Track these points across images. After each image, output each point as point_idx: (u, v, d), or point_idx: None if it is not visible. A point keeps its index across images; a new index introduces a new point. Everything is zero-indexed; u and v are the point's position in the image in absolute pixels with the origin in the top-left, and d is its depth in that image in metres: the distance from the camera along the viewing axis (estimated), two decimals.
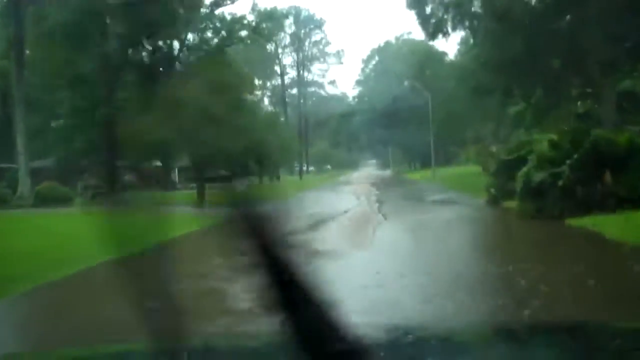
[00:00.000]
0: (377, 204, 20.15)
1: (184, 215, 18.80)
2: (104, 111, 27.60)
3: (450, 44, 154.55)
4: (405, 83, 56.33)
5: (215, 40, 39.39)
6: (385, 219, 15.25)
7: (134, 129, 24.17)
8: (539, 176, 13.08)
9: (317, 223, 14.53)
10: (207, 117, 22.36)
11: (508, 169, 18.00)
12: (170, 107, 23.15)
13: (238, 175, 48.84)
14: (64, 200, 24.46)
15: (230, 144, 22.76)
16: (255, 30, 40.30)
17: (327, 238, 12.06)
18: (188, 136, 22.41)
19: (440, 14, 30.07)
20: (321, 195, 29.52)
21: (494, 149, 41.07)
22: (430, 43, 54.28)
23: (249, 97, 30.99)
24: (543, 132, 22.37)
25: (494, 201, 17.66)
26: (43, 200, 24.97)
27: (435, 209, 17.94)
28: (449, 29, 30.49)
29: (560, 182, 12.60)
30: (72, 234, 10.59)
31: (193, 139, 22.72)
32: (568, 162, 12.87)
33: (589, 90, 27.18)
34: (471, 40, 33.80)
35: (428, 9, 29.97)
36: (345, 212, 17.70)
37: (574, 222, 11.82)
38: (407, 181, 41.77)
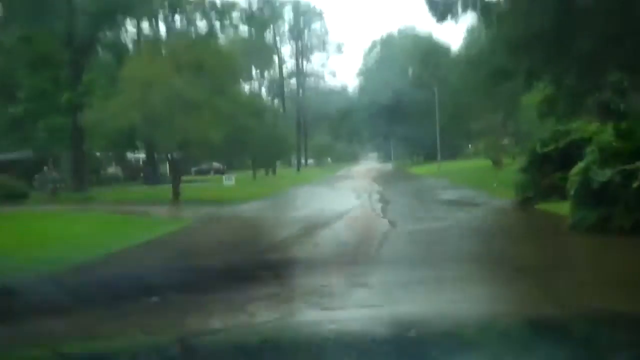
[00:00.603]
0: (380, 204, 16.76)
1: (141, 219, 15.60)
2: (68, 95, 24.24)
3: (454, 36, 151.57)
4: (410, 72, 53.29)
5: (204, 21, 36.38)
6: (393, 226, 11.84)
7: (100, 114, 21.04)
8: (603, 175, 9.64)
9: (303, 233, 11.14)
10: (180, 100, 19.15)
11: (542, 164, 14.90)
12: (138, 89, 19.89)
13: (230, 167, 45.95)
14: (17, 197, 21.06)
15: (210, 132, 19.54)
16: (247, 13, 37.21)
17: (313, 258, 8.70)
18: (156, 121, 19.15)
19: None
20: (317, 191, 26.18)
21: (505, 141, 37.99)
22: (435, 36, 52.28)
23: (238, 82, 27.70)
24: (577, 120, 19.11)
25: (524, 203, 14.38)
26: None
27: (451, 212, 14.49)
28: (459, 10, 28.41)
29: (635, 184, 9.22)
30: None
31: (163, 125, 19.43)
32: None
33: (614, 78, 23.99)
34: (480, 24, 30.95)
35: None
36: (342, 215, 14.27)
37: None
38: (411, 176, 38.33)
